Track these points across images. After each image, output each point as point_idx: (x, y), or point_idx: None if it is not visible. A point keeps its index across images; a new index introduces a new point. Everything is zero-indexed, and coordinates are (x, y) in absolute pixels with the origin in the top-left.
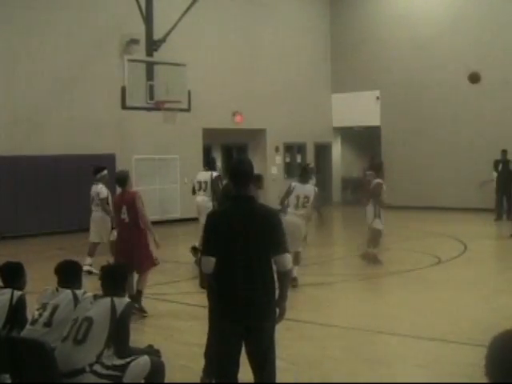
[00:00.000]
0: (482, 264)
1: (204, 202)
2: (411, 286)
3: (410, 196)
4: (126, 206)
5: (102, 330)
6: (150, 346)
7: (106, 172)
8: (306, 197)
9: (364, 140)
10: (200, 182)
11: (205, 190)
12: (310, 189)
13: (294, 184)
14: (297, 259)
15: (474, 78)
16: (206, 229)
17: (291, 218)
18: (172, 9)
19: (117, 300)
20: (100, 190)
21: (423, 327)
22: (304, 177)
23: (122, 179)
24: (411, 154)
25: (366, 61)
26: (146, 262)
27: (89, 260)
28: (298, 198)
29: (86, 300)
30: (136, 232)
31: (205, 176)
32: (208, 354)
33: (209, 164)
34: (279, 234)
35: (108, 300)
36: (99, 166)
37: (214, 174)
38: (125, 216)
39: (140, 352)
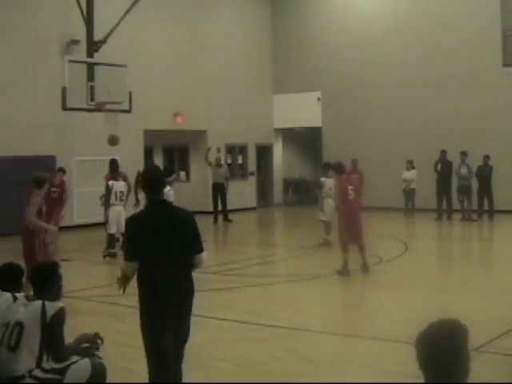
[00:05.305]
0: (421, 263)
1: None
2: (353, 285)
3: None
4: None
5: (34, 336)
6: (96, 334)
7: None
8: (121, 192)
9: (305, 141)
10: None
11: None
12: (122, 184)
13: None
14: None
15: (113, 141)
16: (126, 234)
17: (115, 208)
18: (113, 9)
19: (48, 304)
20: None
21: (364, 326)
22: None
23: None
24: (352, 155)
25: (308, 62)
26: None
27: None
28: (116, 193)
29: (19, 301)
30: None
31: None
32: None
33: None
34: (197, 234)
35: (39, 304)
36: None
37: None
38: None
39: (78, 351)
